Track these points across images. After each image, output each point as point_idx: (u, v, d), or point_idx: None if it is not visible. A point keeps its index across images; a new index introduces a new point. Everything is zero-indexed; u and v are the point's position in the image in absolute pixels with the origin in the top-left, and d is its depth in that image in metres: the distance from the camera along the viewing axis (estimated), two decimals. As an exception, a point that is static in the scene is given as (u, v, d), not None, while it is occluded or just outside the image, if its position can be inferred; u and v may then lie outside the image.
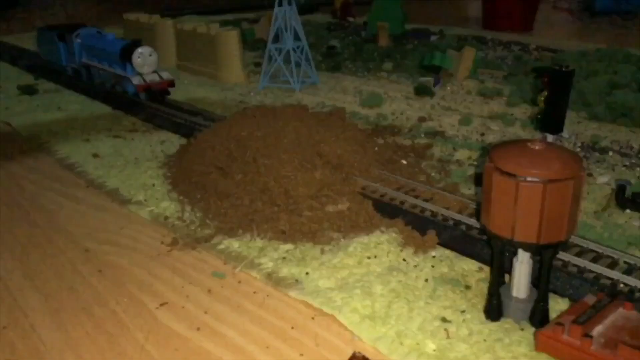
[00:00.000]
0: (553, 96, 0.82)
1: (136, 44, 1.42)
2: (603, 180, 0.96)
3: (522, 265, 0.60)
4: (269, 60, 1.67)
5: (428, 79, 1.64)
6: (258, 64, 1.91)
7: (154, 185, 0.98)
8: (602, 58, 1.67)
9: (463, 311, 0.63)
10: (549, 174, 0.53)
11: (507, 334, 0.59)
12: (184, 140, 1.17)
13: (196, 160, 0.98)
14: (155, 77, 1.44)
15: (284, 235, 0.79)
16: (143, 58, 1.42)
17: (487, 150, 0.83)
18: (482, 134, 1.21)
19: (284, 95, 1.59)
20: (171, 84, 1.46)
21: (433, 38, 2.33)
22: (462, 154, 1.09)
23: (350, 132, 1.02)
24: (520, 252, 0.60)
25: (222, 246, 0.78)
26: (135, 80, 1.42)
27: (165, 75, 1.45)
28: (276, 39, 1.69)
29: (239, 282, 0.71)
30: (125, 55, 1.42)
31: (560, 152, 0.56)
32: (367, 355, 0.58)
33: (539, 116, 0.86)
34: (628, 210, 0.85)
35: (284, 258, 0.75)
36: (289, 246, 0.77)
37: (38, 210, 0.93)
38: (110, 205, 0.94)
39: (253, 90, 1.66)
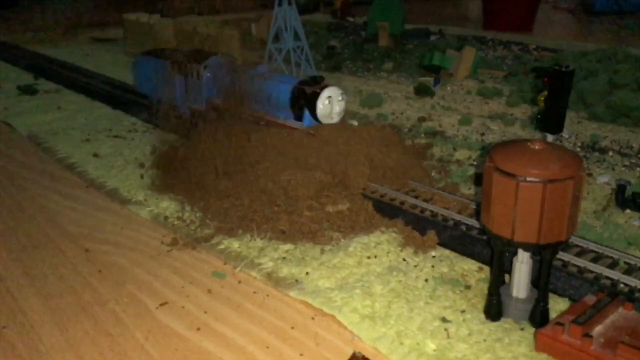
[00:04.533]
0: (553, 96, 0.82)
1: (318, 81, 0.96)
2: (603, 180, 0.96)
3: (522, 265, 0.60)
4: (269, 60, 1.67)
5: (428, 79, 1.64)
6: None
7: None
8: (602, 58, 1.66)
9: (463, 311, 0.63)
10: (549, 174, 0.53)
11: (507, 334, 0.59)
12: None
13: (196, 160, 0.98)
14: None
15: (284, 235, 0.79)
16: (332, 104, 0.95)
17: (487, 150, 0.83)
18: (482, 134, 1.21)
19: (284, 95, 1.59)
20: None
21: (433, 38, 2.33)
22: (462, 154, 1.09)
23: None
24: (520, 252, 0.60)
25: (222, 246, 0.78)
26: None
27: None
28: (276, 39, 1.69)
29: (239, 282, 0.71)
30: (306, 100, 0.95)
31: (560, 152, 0.56)
32: (367, 355, 0.58)
33: (539, 116, 0.86)
34: (628, 210, 0.85)
35: (284, 258, 0.75)
36: (289, 246, 0.77)
37: (38, 210, 0.93)
38: (110, 205, 0.94)
39: (253, 90, 1.66)
